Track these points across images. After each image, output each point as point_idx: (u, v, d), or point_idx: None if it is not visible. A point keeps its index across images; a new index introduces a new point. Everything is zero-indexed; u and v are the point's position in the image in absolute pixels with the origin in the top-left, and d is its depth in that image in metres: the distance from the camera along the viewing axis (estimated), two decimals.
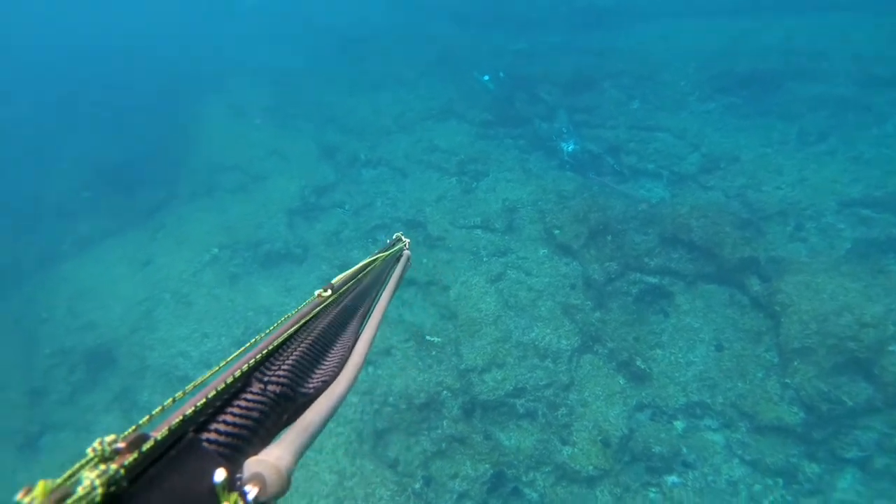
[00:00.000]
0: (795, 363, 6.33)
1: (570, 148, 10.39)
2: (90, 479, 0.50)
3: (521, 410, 6.64)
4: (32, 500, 0.48)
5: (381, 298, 1.40)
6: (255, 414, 0.77)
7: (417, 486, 6.08)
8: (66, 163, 13.26)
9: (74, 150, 13.75)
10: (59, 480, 0.51)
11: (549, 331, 7.25)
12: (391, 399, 6.70)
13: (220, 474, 0.60)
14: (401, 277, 1.67)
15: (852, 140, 9.69)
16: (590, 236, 8.08)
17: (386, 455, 6.42)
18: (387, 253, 1.72)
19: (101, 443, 0.55)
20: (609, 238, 8.03)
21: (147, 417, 0.66)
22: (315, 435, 0.80)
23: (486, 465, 6.26)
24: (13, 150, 14.33)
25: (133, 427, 0.62)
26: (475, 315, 7.54)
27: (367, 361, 1.06)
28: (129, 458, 0.55)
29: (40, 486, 0.49)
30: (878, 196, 8.23)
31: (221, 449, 0.68)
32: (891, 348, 6.14)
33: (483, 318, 7.50)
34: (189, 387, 0.75)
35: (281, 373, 0.88)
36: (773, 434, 6.18)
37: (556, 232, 8.35)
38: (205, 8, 23.69)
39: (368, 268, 1.52)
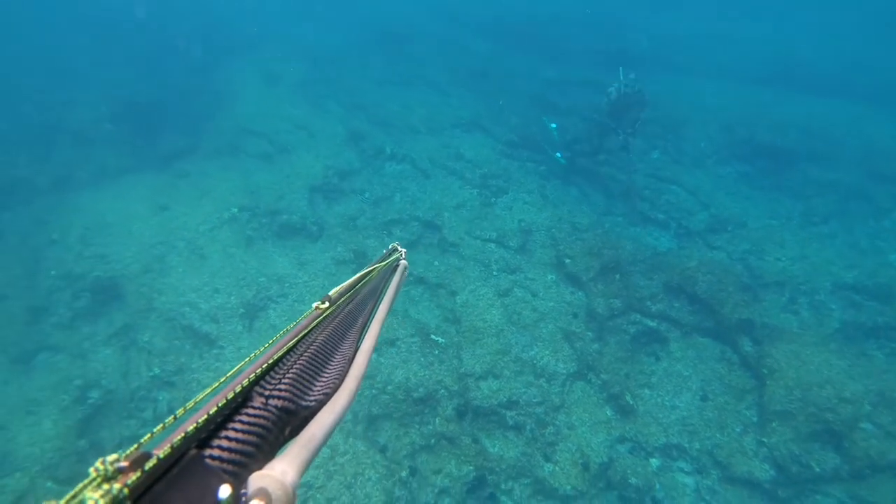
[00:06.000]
0: (774, 424, 6.74)
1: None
2: (94, 499, 0.51)
3: (511, 422, 6.92)
4: None
5: (379, 309, 1.40)
6: (257, 429, 0.77)
7: (404, 474, 6.32)
8: (92, 92, 13.21)
9: (103, 81, 13.73)
10: (62, 502, 0.51)
11: (547, 352, 7.57)
12: (390, 388, 6.93)
13: (224, 490, 0.61)
14: (398, 288, 1.66)
15: (852, 228, 10.27)
16: (600, 271, 8.45)
17: (376, 440, 6.64)
18: (383, 263, 1.71)
19: (103, 462, 0.55)
20: (617, 276, 8.40)
21: (149, 435, 0.66)
22: (318, 448, 0.80)
23: (470, 467, 6.51)
24: (42, 69, 14.25)
25: (135, 445, 0.61)
26: (479, 324, 7.82)
27: (366, 373, 1.09)
28: (133, 477, 0.55)
29: None
30: (868, 285, 8.73)
31: (225, 465, 0.68)
32: (863, 425, 6.60)
33: (486, 328, 7.78)
34: (189, 404, 0.74)
35: (282, 386, 0.88)
36: (741, 486, 6.55)
37: (567, 261, 8.68)
38: None
39: (365, 279, 1.51)
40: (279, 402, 0.83)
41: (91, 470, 0.54)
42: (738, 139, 12.39)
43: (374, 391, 6.90)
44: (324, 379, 0.99)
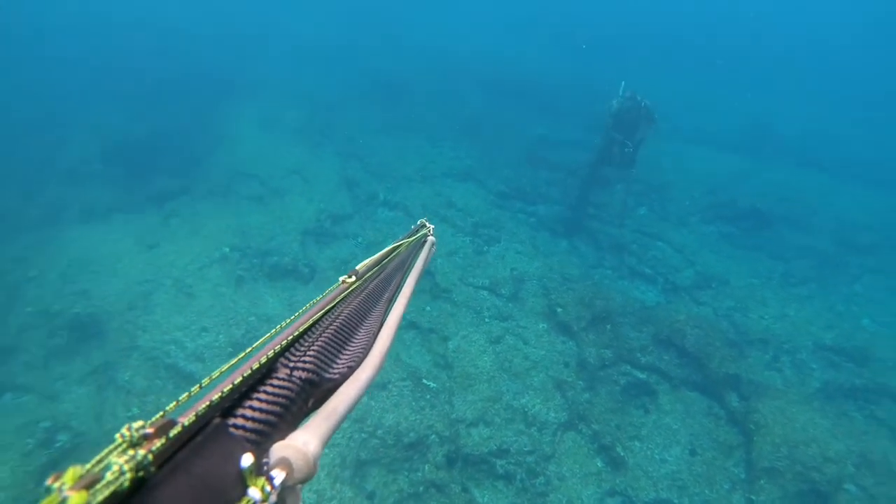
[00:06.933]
0: (762, 482, 6.75)
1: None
2: (119, 464, 0.52)
3: (501, 471, 6.83)
4: (62, 485, 0.48)
5: (405, 284, 1.39)
6: (281, 399, 0.77)
7: None
8: (83, 130, 13.27)
9: (94, 120, 13.80)
10: (88, 466, 0.52)
11: (538, 401, 7.55)
12: (380, 432, 6.81)
13: (247, 459, 0.62)
14: (426, 263, 1.65)
15: (828, 291, 10.60)
16: (591, 321, 8.55)
17: (364, 486, 6.48)
18: (411, 239, 1.70)
19: (129, 428, 0.56)
20: (608, 327, 8.50)
21: (174, 403, 0.67)
22: (340, 420, 0.81)
23: None
24: (34, 107, 14.31)
25: (161, 413, 0.63)
26: (471, 370, 7.80)
27: (391, 349, 1.10)
28: (157, 444, 0.56)
29: (70, 472, 0.49)
30: (846, 347, 8.97)
31: (248, 434, 0.69)
32: (846, 486, 6.65)
33: (478, 374, 7.77)
34: (215, 373, 0.75)
35: (307, 358, 0.89)
36: None
37: (559, 310, 8.78)
38: (248, 20, 24.47)
39: (393, 253, 1.51)
40: (303, 374, 0.85)
41: (117, 436, 0.55)
42: (721, 201, 12.88)
43: (363, 435, 6.78)
44: (348, 352, 1.01)
